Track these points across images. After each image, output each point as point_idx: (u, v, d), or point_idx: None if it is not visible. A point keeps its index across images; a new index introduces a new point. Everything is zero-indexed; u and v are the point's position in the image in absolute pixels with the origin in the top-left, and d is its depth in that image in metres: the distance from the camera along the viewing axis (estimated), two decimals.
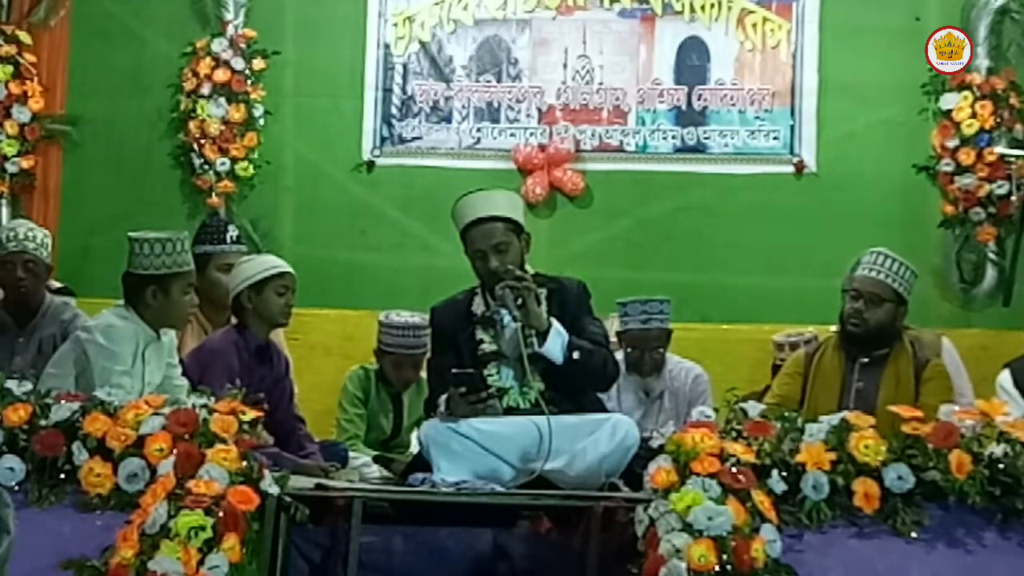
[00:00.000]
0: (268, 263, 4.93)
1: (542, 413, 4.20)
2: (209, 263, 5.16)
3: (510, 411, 4.31)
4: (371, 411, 5.77)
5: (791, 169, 7.34)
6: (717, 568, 3.33)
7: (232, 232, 5.39)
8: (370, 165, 7.49)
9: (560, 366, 4.30)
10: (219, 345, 4.80)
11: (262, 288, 4.82)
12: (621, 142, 7.45)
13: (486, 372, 4.33)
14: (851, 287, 4.90)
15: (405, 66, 7.53)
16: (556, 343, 4.29)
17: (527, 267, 4.47)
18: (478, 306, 4.48)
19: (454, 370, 4.27)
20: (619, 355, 5.30)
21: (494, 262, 4.36)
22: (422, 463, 4.25)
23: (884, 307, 4.82)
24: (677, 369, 5.85)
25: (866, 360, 4.85)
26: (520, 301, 4.25)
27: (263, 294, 4.82)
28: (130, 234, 4.55)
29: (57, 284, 5.87)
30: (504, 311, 4.33)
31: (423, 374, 5.91)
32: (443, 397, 4.31)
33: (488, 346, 4.41)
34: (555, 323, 4.31)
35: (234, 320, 4.93)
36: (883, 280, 4.81)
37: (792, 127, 7.34)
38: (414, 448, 5.67)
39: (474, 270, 4.46)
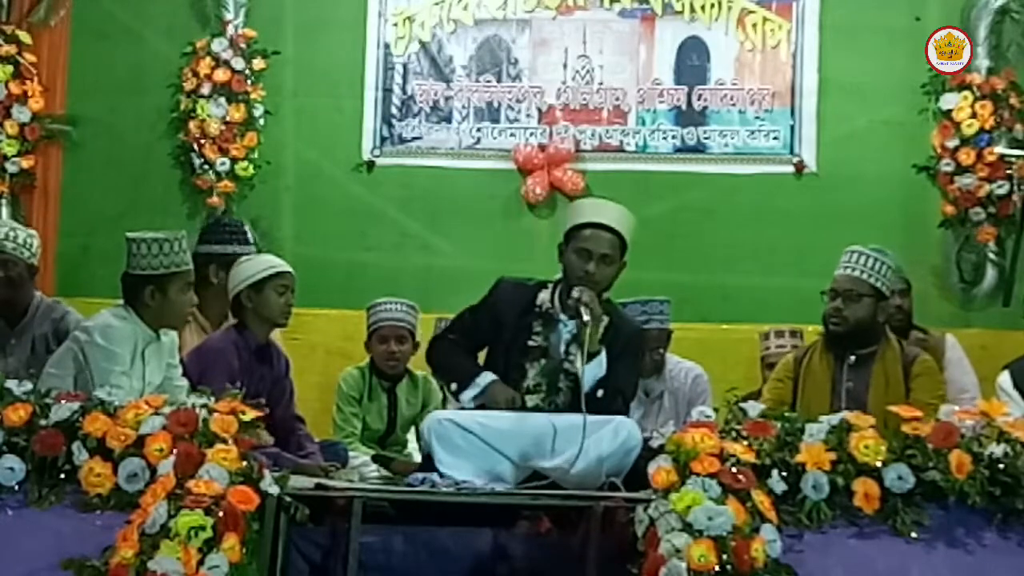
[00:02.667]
0: (267, 262, 4.93)
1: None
2: (229, 262, 5.16)
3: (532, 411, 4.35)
4: (365, 408, 5.79)
5: (791, 169, 7.34)
6: (717, 568, 3.34)
7: (252, 234, 5.45)
8: (370, 165, 7.49)
9: (584, 393, 4.32)
10: (219, 345, 4.81)
11: (262, 287, 4.82)
12: (621, 142, 7.45)
13: (528, 366, 4.37)
14: (830, 287, 4.92)
15: (405, 66, 7.53)
16: (592, 373, 4.32)
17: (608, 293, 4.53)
18: (543, 300, 4.49)
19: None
20: None
21: (592, 267, 4.39)
22: (429, 465, 4.25)
23: (862, 302, 4.83)
24: (677, 369, 5.85)
25: (853, 360, 4.86)
26: (585, 319, 4.25)
27: (263, 293, 4.82)
28: (128, 234, 4.55)
29: None
30: (565, 316, 4.36)
31: (415, 370, 5.92)
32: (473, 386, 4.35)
33: (537, 340, 4.43)
34: (603, 354, 4.34)
35: (234, 320, 4.94)
36: (858, 276, 4.83)
37: (792, 127, 7.35)
38: (411, 446, 5.70)
39: (567, 264, 4.46)
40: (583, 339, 4.25)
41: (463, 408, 4.41)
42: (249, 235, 5.46)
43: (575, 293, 4.32)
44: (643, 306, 5.75)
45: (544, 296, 4.50)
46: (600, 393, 4.33)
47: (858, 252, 4.89)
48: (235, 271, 4.95)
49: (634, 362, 4.60)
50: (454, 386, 4.42)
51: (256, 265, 4.91)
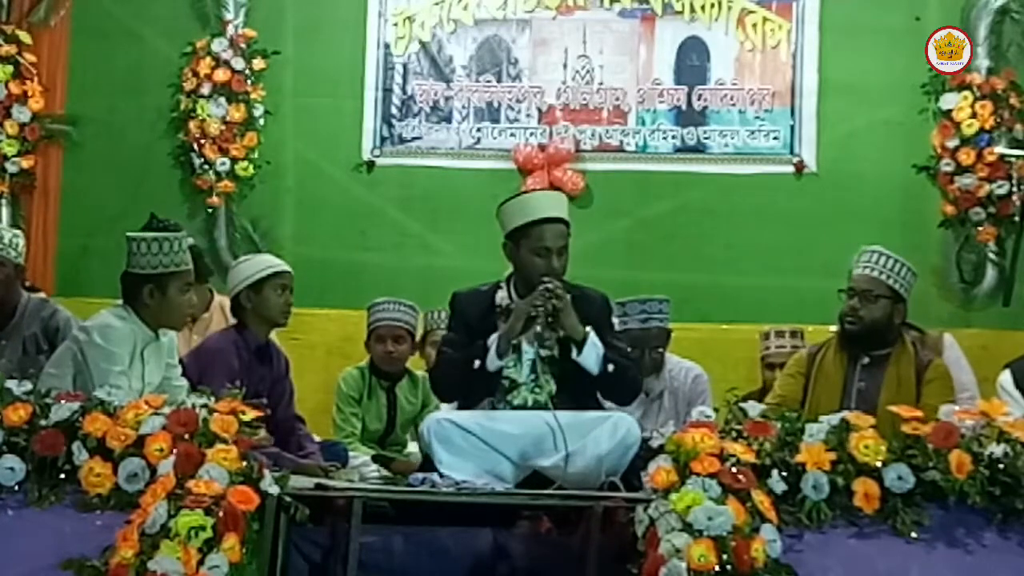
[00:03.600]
0: (265, 262, 4.93)
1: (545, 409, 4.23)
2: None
3: (518, 409, 4.33)
4: (364, 408, 5.79)
5: (791, 169, 7.34)
6: (717, 568, 3.34)
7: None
8: (370, 165, 7.49)
9: (596, 377, 4.34)
10: (219, 345, 4.81)
11: (261, 288, 4.83)
12: (621, 142, 7.45)
13: (505, 363, 4.34)
14: (848, 286, 4.92)
15: (405, 66, 7.53)
16: (592, 354, 4.33)
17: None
18: (502, 299, 4.48)
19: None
20: None
21: (556, 263, 4.39)
22: (429, 465, 4.25)
23: (880, 303, 4.83)
24: (677, 369, 5.84)
25: (867, 360, 4.85)
26: (553, 309, 4.26)
27: (262, 294, 4.83)
28: (128, 234, 4.55)
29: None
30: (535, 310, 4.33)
31: (416, 371, 5.92)
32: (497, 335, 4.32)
33: None
34: (591, 334, 4.34)
35: (233, 320, 4.95)
36: (877, 277, 4.83)
37: (792, 127, 7.34)
38: (411, 446, 5.69)
39: (524, 264, 4.44)
40: (562, 331, 4.28)
41: (499, 371, 4.35)
42: None
43: (547, 284, 4.30)
44: (642, 304, 5.74)
45: (502, 295, 4.49)
46: (612, 368, 4.34)
47: (877, 252, 4.87)
48: (233, 272, 4.96)
49: (612, 325, 4.62)
50: (476, 363, 4.34)
51: (254, 265, 4.91)
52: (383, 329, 5.81)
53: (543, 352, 4.34)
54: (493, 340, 4.32)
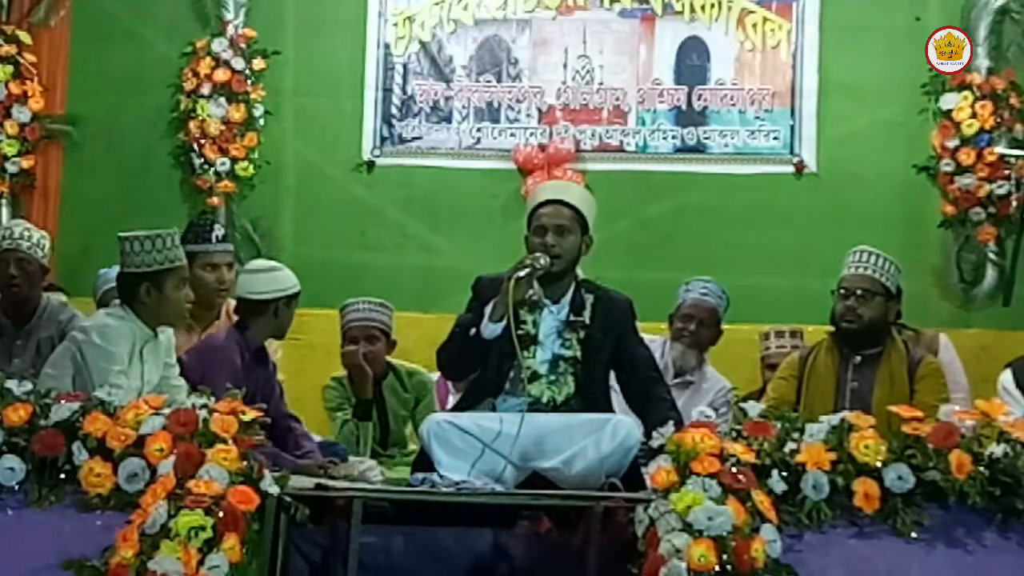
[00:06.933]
0: (282, 283, 4.88)
1: (547, 410, 4.22)
2: (194, 262, 5.02)
3: (532, 402, 4.33)
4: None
5: (791, 169, 7.34)
6: (717, 568, 3.34)
7: (218, 231, 5.33)
8: (370, 165, 7.49)
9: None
10: (223, 343, 4.81)
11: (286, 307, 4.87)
12: (621, 142, 7.45)
13: (524, 353, 4.33)
14: (840, 286, 4.94)
15: (405, 66, 7.53)
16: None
17: (579, 270, 4.57)
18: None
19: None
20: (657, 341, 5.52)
21: (550, 239, 4.41)
22: (427, 461, 4.25)
23: (875, 301, 4.88)
24: (713, 378, 5.89)
25: (859, 360, 4.89)
26: (537, 268, 4.31)
27: (280, 315, 4.86)
28: (120, 234, 4.55)
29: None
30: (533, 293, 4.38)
31: (400, 365, 5.82)
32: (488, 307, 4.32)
33: (525, 328, 4.39)
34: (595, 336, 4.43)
35: (231, 319, 4.96)
36: (870, 275, 4.89)
37: (792, 127, 7.34)
38: (412, 445, 5.66)
39: (529, 249, 4.47)
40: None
41: (496, 336, 4.34)
42: (215, 233, 5.32)
43: (527, 261, 4.32)
44: (706, 283, 5.92)
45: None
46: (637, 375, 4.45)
47: (868, 252, 4.93)
48: (243, 280, 4.92)
49: (636, 329, 4.60)
50: (472, 331, 4.35)
51: (270, 283, 4.87)
52: (355, 330, 5.64)
53: (566, 352, 4.37)
54: (488, 307, 4.33)
